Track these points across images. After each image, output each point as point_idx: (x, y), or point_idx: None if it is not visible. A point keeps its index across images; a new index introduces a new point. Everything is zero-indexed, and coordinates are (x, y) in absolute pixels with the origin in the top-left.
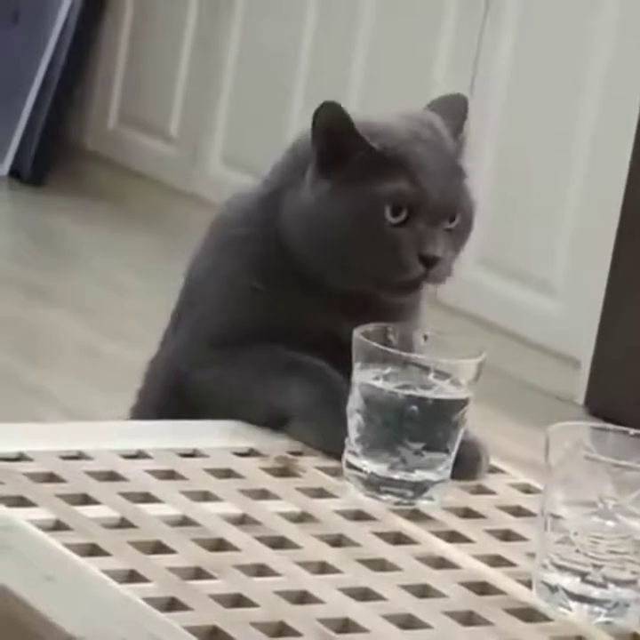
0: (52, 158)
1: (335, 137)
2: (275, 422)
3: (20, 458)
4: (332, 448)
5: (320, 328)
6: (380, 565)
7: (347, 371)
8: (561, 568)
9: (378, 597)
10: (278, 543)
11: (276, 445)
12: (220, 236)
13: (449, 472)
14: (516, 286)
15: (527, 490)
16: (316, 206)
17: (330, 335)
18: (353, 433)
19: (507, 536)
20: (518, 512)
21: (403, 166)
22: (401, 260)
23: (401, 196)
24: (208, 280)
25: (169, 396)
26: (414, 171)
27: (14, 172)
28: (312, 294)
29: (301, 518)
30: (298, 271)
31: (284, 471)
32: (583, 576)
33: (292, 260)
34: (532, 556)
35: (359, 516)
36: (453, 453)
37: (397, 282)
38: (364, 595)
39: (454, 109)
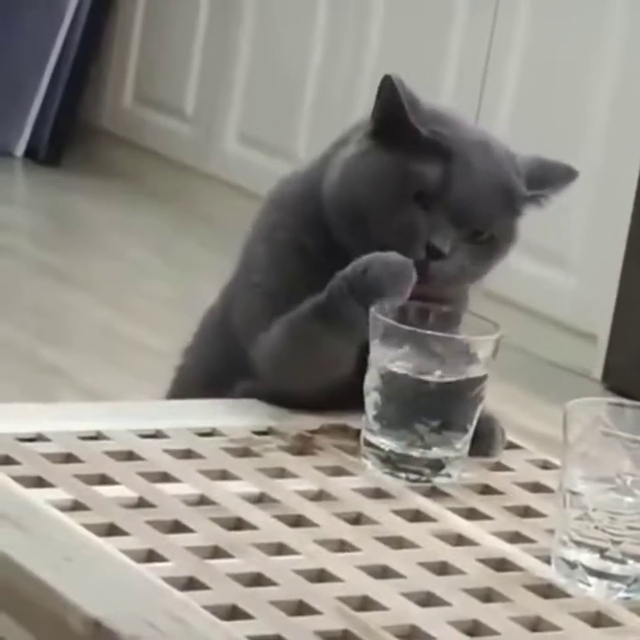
0: (67, 138)
1: (394, 112)
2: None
3: (38, 438)
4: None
5: None
6: (398, 543)
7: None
8: (580, 544)
9: (396, 575)
10: (296, 521)
11: (294, 424)
12: (277, 194)
13: (467, 449)
14: (532, 261)
15: (545, 466)
16: (353, 158)
17: None
18: (370, 411)
19: (525, 512)
20: (536, 488)
21: (444, 158)
22: (408, 240)
23: (428, 180)
24: (261, 235)
25: (222, 347)
26: (453, 166)
27: (30, 152)
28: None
29: (319, 496)
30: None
31: (301, 450)
32: (602, 552)
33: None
34: (550, 532)
35: (377, 493)
36: (471, 430)
37: None
38: (383, 572)
39: (552, 175)
